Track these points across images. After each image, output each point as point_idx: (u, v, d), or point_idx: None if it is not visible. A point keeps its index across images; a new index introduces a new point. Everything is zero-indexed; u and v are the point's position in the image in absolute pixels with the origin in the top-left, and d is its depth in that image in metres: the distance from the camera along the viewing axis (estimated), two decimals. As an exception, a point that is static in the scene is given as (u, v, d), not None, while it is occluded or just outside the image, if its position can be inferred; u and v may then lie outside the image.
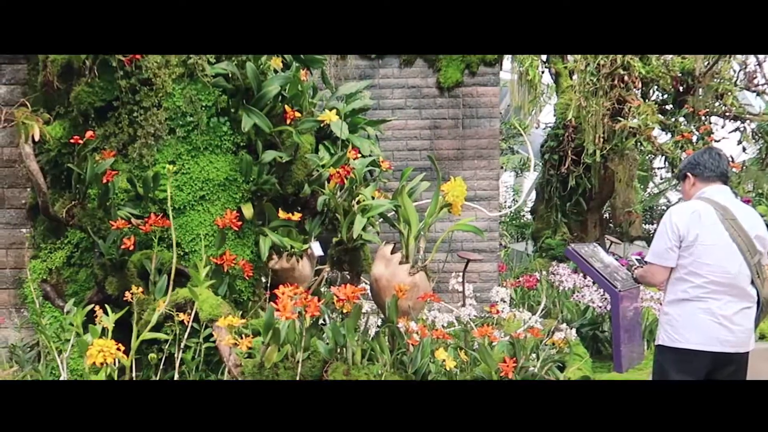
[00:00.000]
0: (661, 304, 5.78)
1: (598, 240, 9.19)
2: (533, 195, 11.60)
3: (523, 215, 15.05)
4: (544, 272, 7.85)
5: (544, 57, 9.44)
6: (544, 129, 10.59)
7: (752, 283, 2.92)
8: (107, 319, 2.86)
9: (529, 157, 6.46)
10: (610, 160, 8.87)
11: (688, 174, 3.13)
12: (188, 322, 3.06)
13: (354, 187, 3.86)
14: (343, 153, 3.96)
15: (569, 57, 8.99)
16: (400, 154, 5.80)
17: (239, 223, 3.56)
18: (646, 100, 8.49)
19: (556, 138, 9.28)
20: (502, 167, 14.19)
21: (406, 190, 3.56)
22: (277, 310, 2.56)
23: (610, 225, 12.50)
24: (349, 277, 3.96)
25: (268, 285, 3.76)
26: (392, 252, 3.57)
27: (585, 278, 6.80)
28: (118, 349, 2.46)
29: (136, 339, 2.88)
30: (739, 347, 2.92)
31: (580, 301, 6.12)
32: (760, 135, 9.65)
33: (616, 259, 8.51)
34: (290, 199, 4.02)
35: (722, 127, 8.45)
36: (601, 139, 8.26)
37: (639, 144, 8.16)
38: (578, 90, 8.51)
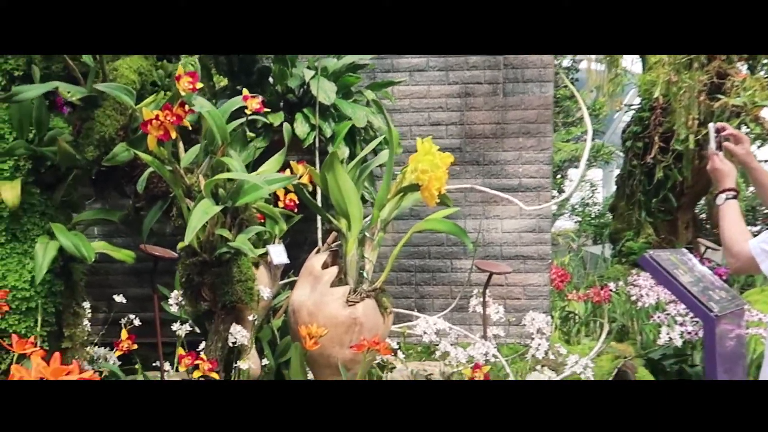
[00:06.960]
0: (774, 331, 4.39)
1: (690, 244, 7.73)
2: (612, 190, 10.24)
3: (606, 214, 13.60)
4: (621, 282, 6.51)
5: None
6: (626, 112, 9.19)
7: None
8: None
9: (589, 138, 5.09)
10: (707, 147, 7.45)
11: None
12: None
13: (214, 151, 2.31)
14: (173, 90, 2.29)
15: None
16: (420, 130, 4.56)
17: None
18: (753, 73, 7.13)
19: (640, 122, 8.05)
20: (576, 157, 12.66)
21: (347, 165, 2.26)
22: None
23: (707, 226, 10.93)
24: (214, 312, 2.45)
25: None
26: (324, 266, 2.32)
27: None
28: None
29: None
30: None
31: (662, 323, 4.76)
32: None
33: (712, 269, 7.01)
34: (94, 171, 2.36)
35: None
36: (696, 122, 6.96)
37: (744, 126, 6.87)
38: (668, 63, 7.26)
